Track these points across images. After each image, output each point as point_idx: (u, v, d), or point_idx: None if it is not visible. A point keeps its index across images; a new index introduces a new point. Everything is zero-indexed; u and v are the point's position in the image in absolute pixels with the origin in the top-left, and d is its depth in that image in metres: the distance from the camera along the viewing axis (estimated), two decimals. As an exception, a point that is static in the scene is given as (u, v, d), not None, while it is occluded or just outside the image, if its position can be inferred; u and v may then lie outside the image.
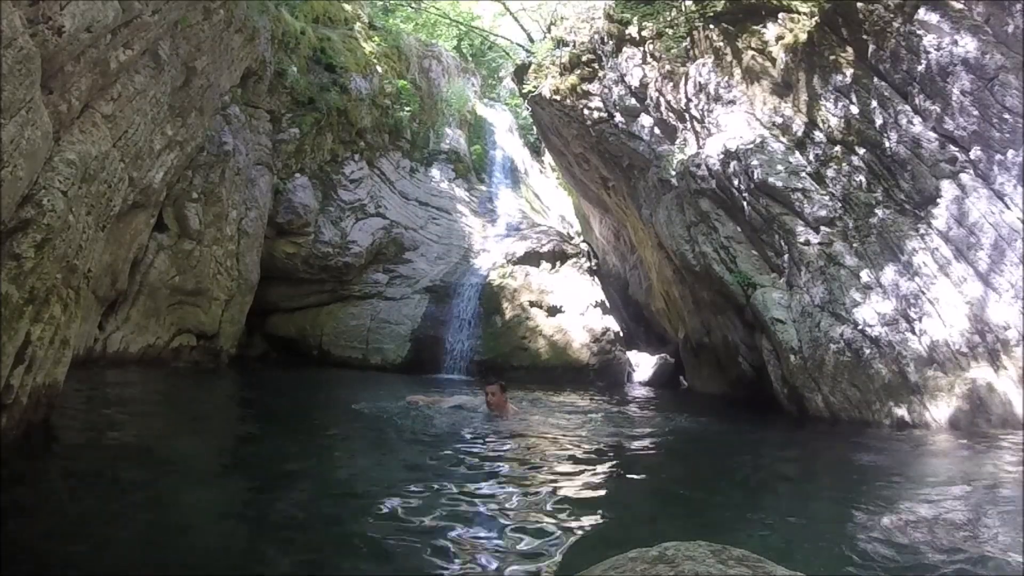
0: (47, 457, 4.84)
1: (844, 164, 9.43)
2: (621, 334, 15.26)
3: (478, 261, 15.94)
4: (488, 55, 25.84)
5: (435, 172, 19.03)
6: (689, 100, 12.07)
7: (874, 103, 9.10)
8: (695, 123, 12.08)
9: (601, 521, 3.98)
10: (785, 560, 1.94)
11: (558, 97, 14.78)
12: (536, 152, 23.86)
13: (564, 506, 4.22)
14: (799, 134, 10.11)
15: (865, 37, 9.24)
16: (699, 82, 11.76)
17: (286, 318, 14.70)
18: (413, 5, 23.07)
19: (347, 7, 18.09)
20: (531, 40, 18.16)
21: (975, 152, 8.17)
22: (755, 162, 10.03)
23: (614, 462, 5.99)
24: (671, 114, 12.66)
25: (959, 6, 8.45)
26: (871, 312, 8.53)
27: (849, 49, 9.53)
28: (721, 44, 11.39)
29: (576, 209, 21.95)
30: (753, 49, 10.91)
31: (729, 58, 11.29)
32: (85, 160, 4.96)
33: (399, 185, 17.52)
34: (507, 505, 4.26)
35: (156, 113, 6.97)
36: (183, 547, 3.27)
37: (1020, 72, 7.86)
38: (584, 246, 16.97)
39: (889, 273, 8.61)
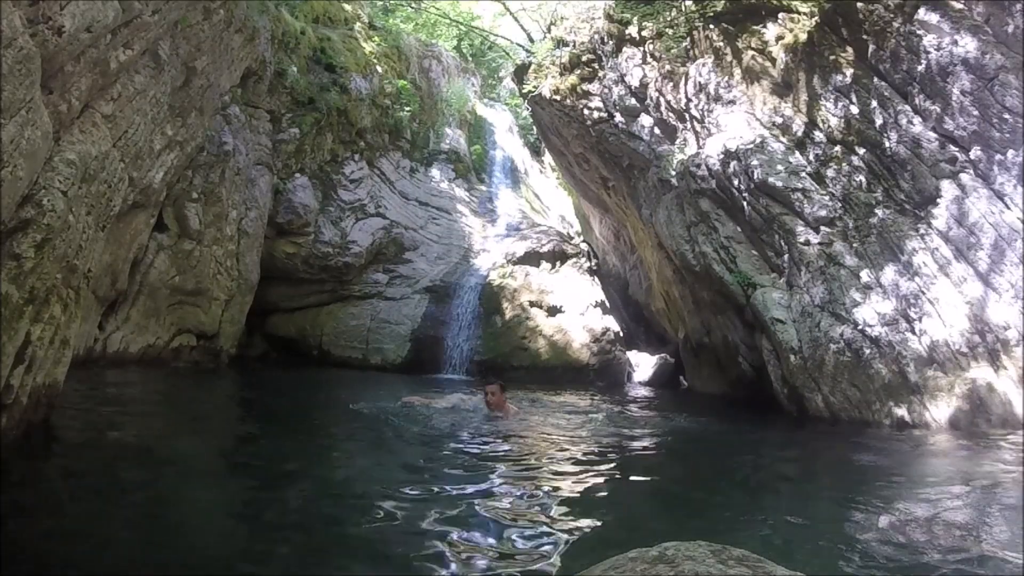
0: (47, 457, 4.84)
1: (844, 164, 9.44)
2: (621, 334, 15.26)
3: (478, 261, 15.94)
4: (488, 55, 25.84)
5: (435, 172, 19.03)
6: (689, 100, 12.07)
7: (874, 103, 9.10)
8: (695, 123, 12.08)
9: (601, 521, 3.98)
10: (785, 560, 1.94)
11: (558, 97, 14.78)
12: (536, 152, 23.86)
13: (564, 506, 4.22)
14: (799, 134, 10.11)
15: (865, 37, 9.24)
16: (699, 82, 11.76)
17: (286, 318, 14.70)
18: (413, 5, 23.07)
19: (347, 7, 18.09)
20: (531, 40, 18.16)
21: (975, 152, 8.17)
22: (755, 162, 10.03)
23: (614, 462, 5.99)
24: (671, 114, 12.66)
25: (959, 6, 8.45)
26: (871, 312, 8.53)
27: (849, 49, 9.53)
28: (721, 44, 11.39)
29: (576, 209, 21.95)
30: (753, 49, 10.91)
31: (729, 58, 11.29)
32: (85, 160, 4.96)
33: (399, 185, 17.52)
34: (507, 505, 4.25)
35: (156, 113, 6.97)
36: (183, 547, 3.27)
37: (1020, 72, 7.86)
38: (584, 246, 16.97)
39: (889, 273, 8.61)
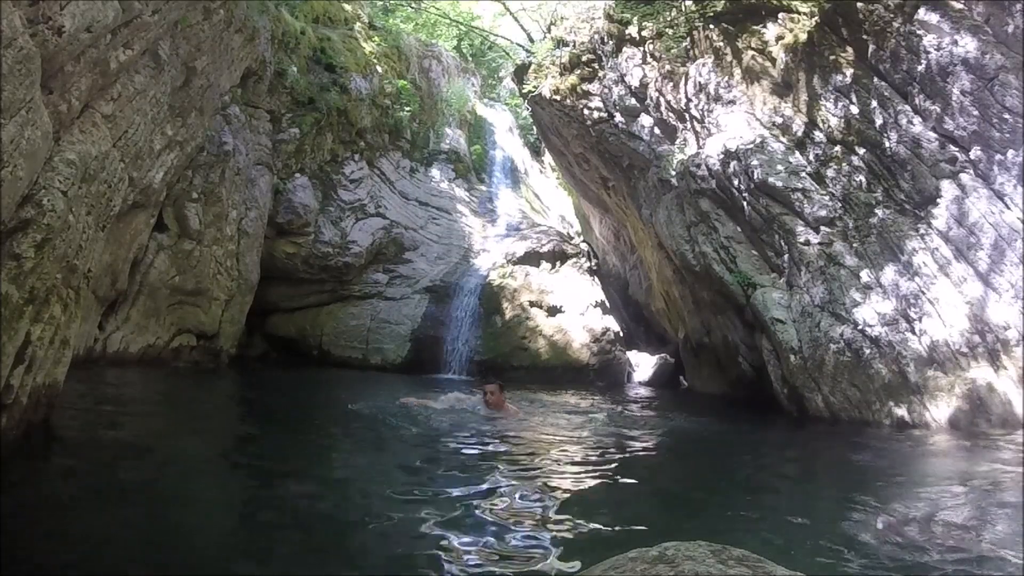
0: (47, 457, 4.83)
1: (844, 164, 9.44)
2: (621, 334, 15.26)
3: (478, 261, 15.94)
4: (488, 55, 25.83)
5: (435, 172, 19.03)
6: (689, 100, 12.07)
7: (874, 103, 9.10)
8: (695, 123, 12.08)
9: (601, 521, 3.98)
10: (785, 560, 1.94)
11: (558, 97, 14.78)
12: (536, 152, 23.86)
13: (564, 506, 4.22)
14: (799, 134, 10.11)
15: (865, 37, 9.25)
16: (699, 82, 11.76)
17: (286, 318, 14.70)
18: (413, 5, 23.07)
19: (347, 7, 18.09)
20: (531, 40, 18.16)
21: (975, 152, 8.17)
22: (755, 162, 10.03)
23: (614, 462, 5.98)
24: (671, 114, 12.66)
25: (959, 6, 8.45)
26: (871, 312, 8.53)
27: (849, 49, 9.53)
28: (721, 44, 11.39)
29: (576, 209, 21.95)
30: (753, 49, 10.91)
31: (729, 58, 11.29)
32: (85, 160, 4.96)
33: (399, 185, 17.52)
34: (506, 505, 4.25)
35: (156, 113, 6.97)
36: (183, 547, 3.27)
37: (1020, 72, 7.86)
38: (584, 246, 16.97)
39: (889, 273, 8.61)
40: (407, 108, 18.14)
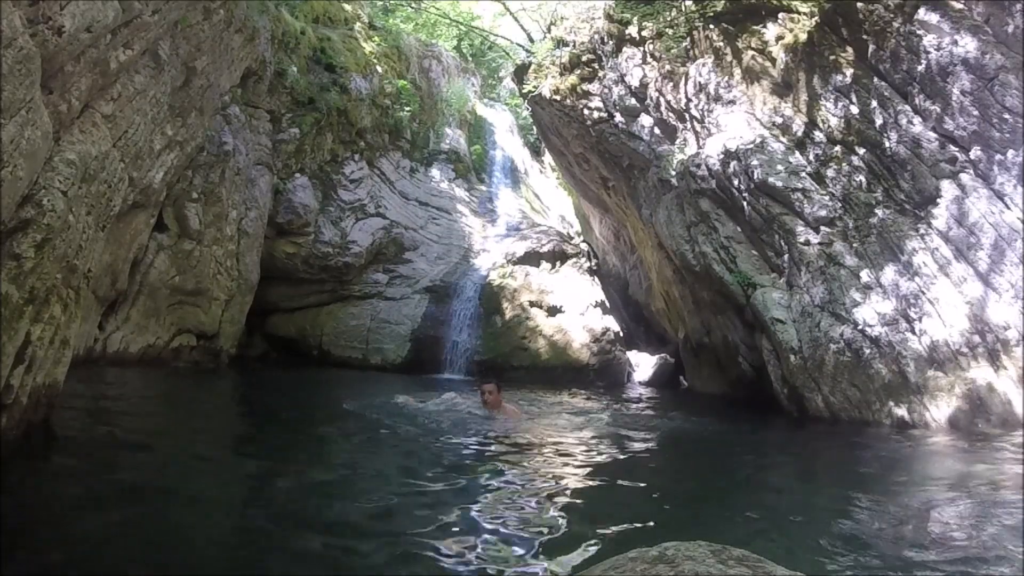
0: (47, 457, 4.83)
1: (844, 164, 9.44)
2: (621, 334, 15.26)
3: (478, 261, 15.94)
4: (488, 55, 25.84)
5: (435, 172, 19.03)
6: (689, 100, 12.07)
7: (874, 103, 9.10)
8: (695, 123, 12.08)
9: (601, 521, 3.98)
10: (785, 560, 1.94)
11: (558, 97, 14.78)
12: (536, 152, 23.86)
13: (564, 506, 4.22)
14: (799, 134, 10.12)
15: (865, 37, 9.24)
16: (699, 82, 11.76)
17: (286, 318, 14.70)
18: (413, 5, 23.07)
19: (347, 7, 18.09)
20: (531, 40, 18.15)
21: (975, 152, 8.17)
22: (755, 162, 10.03)
23: (614, 462, 5.99)
24: (671, 114, 12.66)
25: (959, 6, 8.45)
26: (871, 312, 8.53)
27: (849, 49, 9.53)
28: (721, 44, 11.39)
29: (576, 209, 21.95)
30: (753, 49, 10.92)
31: (729, 58, 11.29)
32: (85, 160, 4.96)
33: (399, 185, 17.52)
34: (506, 505, 4.25)
35: (156, 113, 6.96)
36: (183, 547, 3.27)
37: (1020, 72, 7.86)
38: (584, 246, 16.97)
39: (889, 273, 8.61)
40: (407, 108, 18.14)
